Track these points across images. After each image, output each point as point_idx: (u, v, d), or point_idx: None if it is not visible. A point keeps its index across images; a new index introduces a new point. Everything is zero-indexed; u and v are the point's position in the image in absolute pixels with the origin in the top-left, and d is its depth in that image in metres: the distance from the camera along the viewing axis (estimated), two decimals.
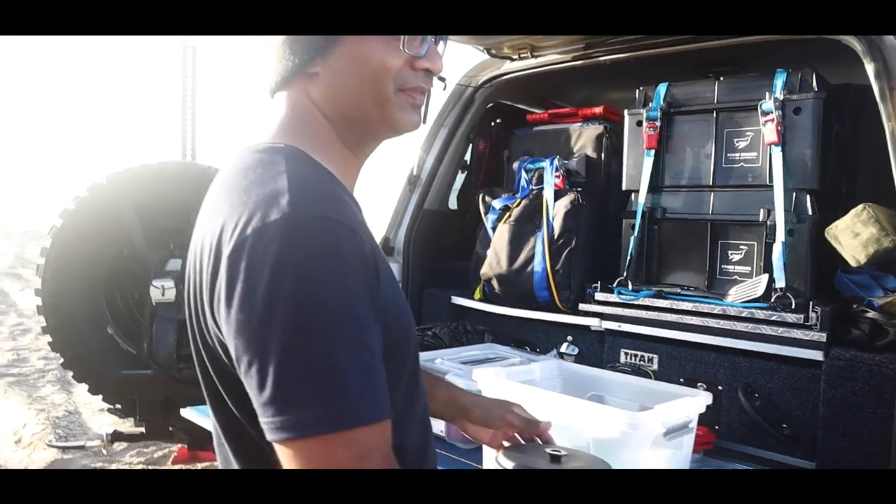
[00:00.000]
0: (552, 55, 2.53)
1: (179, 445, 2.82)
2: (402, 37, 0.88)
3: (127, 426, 2.71)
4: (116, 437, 2.64)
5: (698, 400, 1.53)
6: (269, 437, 0.73)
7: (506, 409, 1.22)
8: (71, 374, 2.60)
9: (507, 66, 2.68)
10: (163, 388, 2.47)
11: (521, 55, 2.60)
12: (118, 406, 2.64)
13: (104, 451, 3.65)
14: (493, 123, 3.04)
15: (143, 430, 2.59)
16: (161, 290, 2.45)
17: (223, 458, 0.92)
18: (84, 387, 2.63)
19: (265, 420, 0.72)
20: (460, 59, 2.78)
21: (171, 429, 2.61)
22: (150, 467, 3.55)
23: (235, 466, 0.89)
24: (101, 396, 2.60)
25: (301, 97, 0.90)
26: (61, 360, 2.60)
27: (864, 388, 1.73)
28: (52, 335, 2.54)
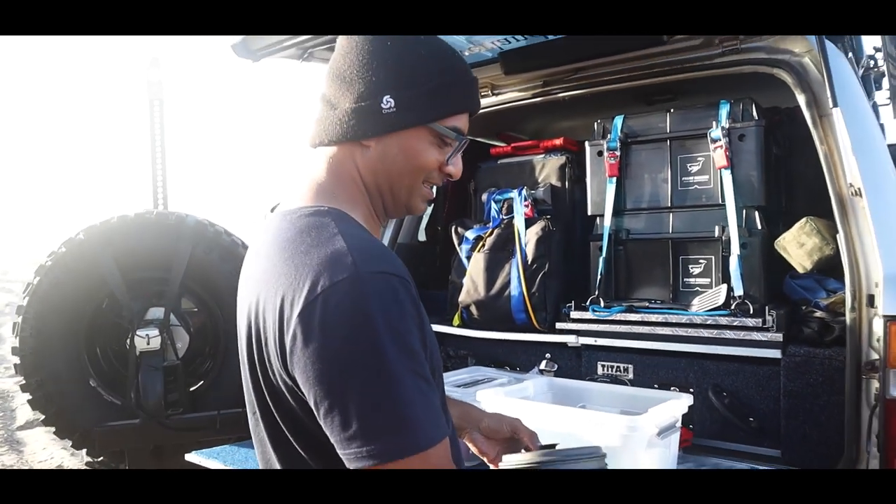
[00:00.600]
0: (512, 93, 2.70)
1: None
2: (453, 146, 1.04)
3: None
4: None
5: (682, 402, 1.71)
6: (354, 465, 0.84)
7: (514, 419, 1.35)
8: (53, 430, 2.57)
9: None
10: (152, 436, 2.48)
11: (482, 94, 2.78)
12: (101, 458, 2.62)
13: None
14: None
15: None
16: (146, 340, 2.47)
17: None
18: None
19: (349, 452, 0.84)
20: None
21: None
22: None
23: None
24: (84, 450, 2.59)
25: (347, 160, 1.03)
26: (42, 418, 2.56)
27: (818, 380, 1.94)
28: (31, 393, 2.52)
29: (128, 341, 2.57)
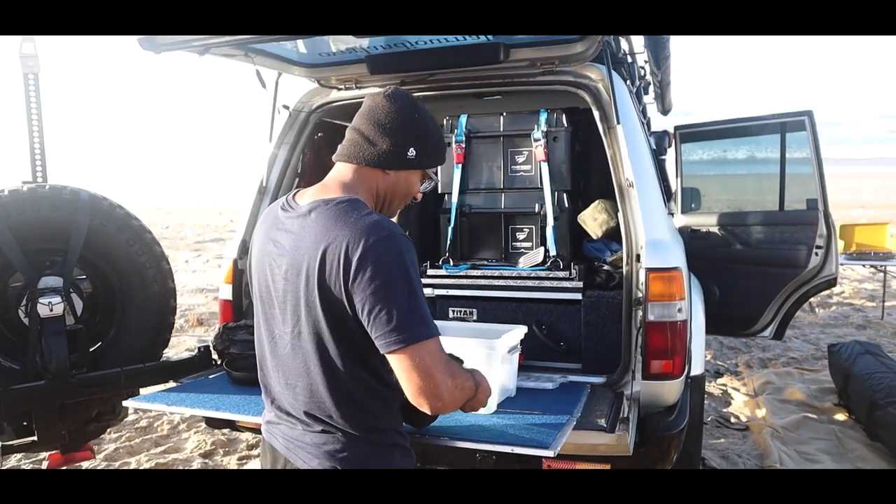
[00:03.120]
0: (373, 87, 3.21)
1: (51, 452, 2.99)
2: (426, 182, 1.66)
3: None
4: (7, 449, 2.74)
5: (521, 330, 2.42)
6: (390, 349, 1.37)
7: None
8: None
9: (335, 94, 3.31)
10: (58, 395, 2.68)
11: (347, 87, 3.25)
12: (2, 422, 2.74)
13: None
14: (316, 136, 3.64)
15: (34, 438, 2.74)
16: (49, 307, 2.65)
17: (306, 373, 1.49)
18: None
19: (388, 340, 1.37)
20: (295, 88, 3.35)
21: (63, 433, 2.82)
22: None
23: (318, 377, 1.47)
24: None
25: (372, 178, 1.57)
26: None
27: (605, 313, 2.78)
28: None
29: (21, 309, 2.72)
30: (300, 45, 2.93)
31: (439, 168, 3.12)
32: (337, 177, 1.57)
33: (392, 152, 1.55)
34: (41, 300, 2.65)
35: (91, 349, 2.85)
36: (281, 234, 1.53)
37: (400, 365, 1.39)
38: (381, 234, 1.39)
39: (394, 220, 3.07)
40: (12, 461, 3.79)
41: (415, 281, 1.40)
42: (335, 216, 1.44)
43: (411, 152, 1.56)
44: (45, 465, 3.36)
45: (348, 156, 1.57)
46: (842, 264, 6.73)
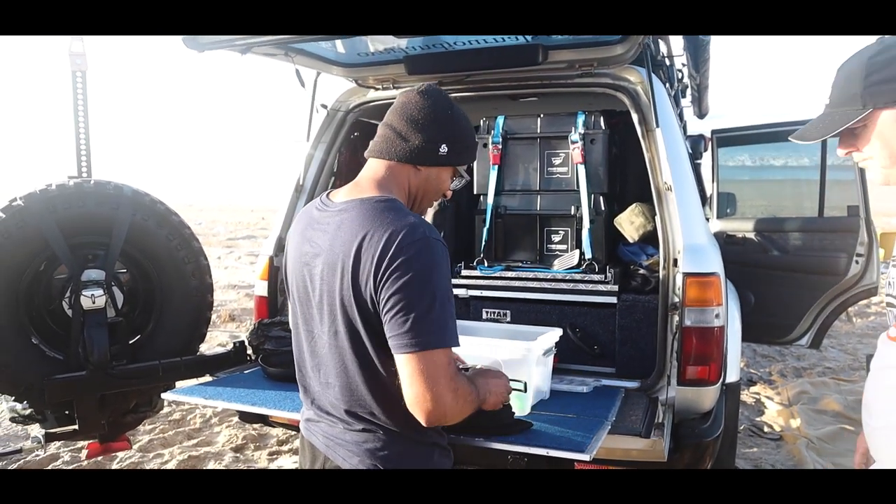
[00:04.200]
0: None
1: (90, 441, 3.06)
2: (457, 180, 1.66)
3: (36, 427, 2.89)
4: (50, 437, 2.82)
5: (556, 332, 2.41)
6: (403, 350, 1.37)
7: None
8: None
9: (373, 94, 3.33)
10: (98, 385, 2.74)
11: (385, 87, 3.28)
12: (46, 411, 2.82)
13: (42, 452, 3.78)
14: (352, 136, 3.68)
15: (75, 427, 2.81)
16: (91, 299, 2.71)
17: (345, 372, 1.50)
18: None
19: (402, 342, 1.37)
20: (332, 88, 3.39)
21: (103, 423, 2.88)
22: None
23: (357, 375, 1.48)
24: (26, 402, 2.77)
25: (404, 174, 1.57)
26: None
27: (640, 317, 2.75)
28: None
29: (65, 301, 2.79)
30: (339, 45, 2.96)
31: (476, 169, 3.15)
32: (370, 175, 1.57)
33: (424, 148, 1.54)
34: (84, 292, 2.72)
35: (130, 342, 2.91)
36: (317, 234, 1.53)
37: (404, 369, 1.37)
38: (416, 237, 1.39)
39: (428, 219, 3.12)
40: (51, 449, 3.89)
41: (442, 288, 1.39)
42: (372, 215, 1.45)
43: (443, 149, 1.55)
44: (84, 454, 3.45)
45: (380, 152, 1.57)
46: (882, 273, 6.57)
